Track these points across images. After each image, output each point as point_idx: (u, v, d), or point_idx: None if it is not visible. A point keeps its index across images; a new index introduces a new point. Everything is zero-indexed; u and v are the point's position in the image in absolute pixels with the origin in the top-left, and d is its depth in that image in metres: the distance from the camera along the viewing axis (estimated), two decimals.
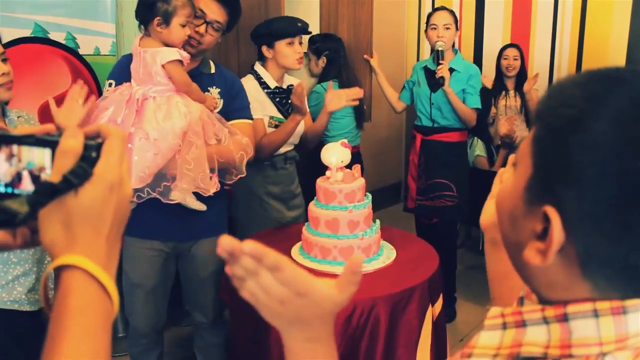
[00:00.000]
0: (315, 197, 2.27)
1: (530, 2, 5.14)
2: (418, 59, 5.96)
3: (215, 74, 2.37)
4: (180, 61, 2.03)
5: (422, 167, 3.67)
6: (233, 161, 2.12)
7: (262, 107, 2.73)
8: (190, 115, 1.99)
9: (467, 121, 3.54)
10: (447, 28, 3.49)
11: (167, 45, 2.05)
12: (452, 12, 3.57)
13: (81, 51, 3.14)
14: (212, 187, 2.03)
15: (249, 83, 2.71)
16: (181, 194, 2.04)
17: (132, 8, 2.17)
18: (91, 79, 3.17)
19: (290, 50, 2.72)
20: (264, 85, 2.77)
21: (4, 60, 1.86)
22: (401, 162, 6.07)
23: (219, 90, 2.33)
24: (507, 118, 4.33)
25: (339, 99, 2.73)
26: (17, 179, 0.63)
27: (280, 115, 2.78)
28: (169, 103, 1.99)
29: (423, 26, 5.72)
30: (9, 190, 0.63)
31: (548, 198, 0.64)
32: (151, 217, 2.17)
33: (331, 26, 3.60)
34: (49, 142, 0.62)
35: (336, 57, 3.53)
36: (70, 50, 3.09)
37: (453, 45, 3.64)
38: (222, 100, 2.32)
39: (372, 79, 3.97)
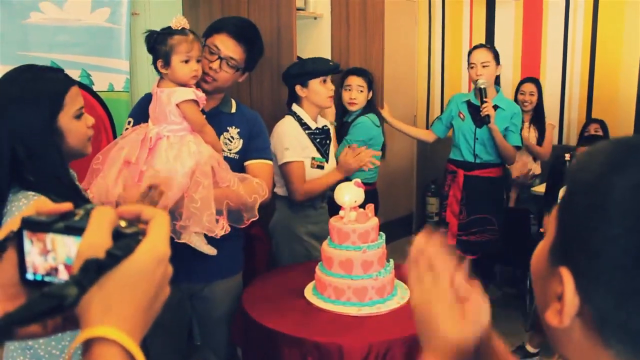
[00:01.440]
0: (328, 237, 2.25)
1: (540, 34, 5.17)
2: (428, 91, 5.98)
3: (235, 113, 2.34)
4: (196, 101, 2.03)
5: (464, 202, 3.66)
6: (244, 205, 2.10)
7: (303, 149, 2.76)
8: (200, 155, 1.98)
9: (508, 158, 3.58)
10: (485, 66, 3.51)
11: (181, 85, 2.05)
12: (490, 49, 3.58)
13: (95, 88, 3.18)
14: (218, 229, 2.01)
15: (289, 124, 2.76)
16: (189, 236, 2.03)
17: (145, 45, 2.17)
18: (105, 114, 3.20)
19: (324, 88, 2.77)
20: (304, 126, 2.80)
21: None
22: (412, 194, 6.04)
23: (238, 130, 2.30)
24: (519, 161, 4.31)
25: (358, 161, 2.80)
26: (54, 271, 0.61)
27: (320, 156, 2.81)
28: (181, 142, 1.99)
29: (433, 58, 5.83)
30: (48, 278, 0.61)
31: (565, 260, 0.65)
32: None
33: (342, 60, 3.53)
34: (79, 230, 0.60)
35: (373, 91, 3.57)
36: (85, 87, 3.10)
37: (496, 83, 3.65)
38: (241, 140, 2.30)
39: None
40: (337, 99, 3.34)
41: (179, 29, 2.01)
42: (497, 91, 3.62)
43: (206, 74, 2.20)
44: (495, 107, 3.51)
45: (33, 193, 1.46)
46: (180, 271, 2.25)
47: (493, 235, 3.61)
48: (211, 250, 2.15)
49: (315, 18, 3.66)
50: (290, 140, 2.72)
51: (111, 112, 3.19)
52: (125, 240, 0.60)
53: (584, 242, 0.62)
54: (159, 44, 2.02)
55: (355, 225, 2.16)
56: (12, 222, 0.63)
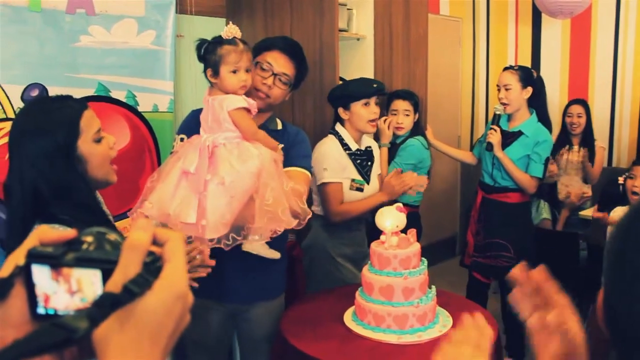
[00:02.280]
0: (369, 262, 2.21)
1: (588, 53, 5.05)
2: (472, 112, 5.91)
3: (281, 130, 2.34)
4: (247, 109, 2.01)
5: (481, 224, 3.60)
6: (293, 207, 2.03)
7: (343, 169, 2.74)
8: (263, 157, 1.96)
9: (524, 188, 3.46)
10: (508, 89, 3.44)
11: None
12: (516, 71, 3.48)
13: (140, 108, 3.23)
14: (292, 222, 1.96)
15: (330, 143, 2.75)
16: (251, 244, 2.03)
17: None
18: (149, 134, 3.28)
19: (365, 111, 2.74)
20: (345, 146, 2.79)
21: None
22: (456, 216, 5.95)
23: (282, 146, 2.28)
24: (566, 182, 4.19)
25: (403, 185, 2.77)
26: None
27: (360, 178, 2.79)
28: (240, 148, 1.97)
29: (477, 78, 5.75)
30: (61, 312, 0.59)
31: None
32: (211, 278, 2.12)
33: (385, 81, 3.47)
34: (97, 262, 0.58)
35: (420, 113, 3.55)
36: (130, 108, 3.19)
37: (530, 105, 3.54)
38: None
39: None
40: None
41: (230, 38, 2.00)
42: (531, 113, 3.51)
43: (259, 90, 2.20)
44: (520, 134, 3.45)
45: (58, 225, 1.41)
46: (225, 291, 2.28)
47: (508, 263, 3.45)
48: (274, 254, 2.14)
49: (358, 39, 3.64)
50: (329, 161, 2.71)
51: (155, 133, 3.26)
52: (142, 274, 0.58)
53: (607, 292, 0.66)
54: (208, 53, 2.02)
55: (396, 250, 2.12)
56: (15, 256, 0.60)
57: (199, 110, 2.13)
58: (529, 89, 3.45)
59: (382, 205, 2.42)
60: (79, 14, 2.96)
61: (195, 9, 3.54)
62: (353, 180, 2.75)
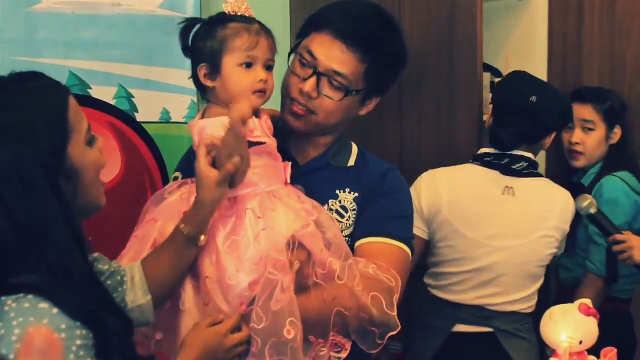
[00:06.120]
0: None
1: None
2: None
3: (353, 168, 1.79)
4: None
5: None
6: (365, 311, 1.53)
7: None
8: (275, 233, 1.47)
9: None
10: None
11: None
12: None
13: (140, 117, 2.33)
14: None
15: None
16: None
17: None
18: (153, 160, 2.35)
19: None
20: None
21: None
22: None
23: (356, 195, 1.76)
24: None
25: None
26: None
27: None
28: (239, 212, 1.52)
29: None
30: None
31: None
32: None
33: (570, 73, 2.62)
34: None
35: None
36: (122, 115, 2.30)
37: None
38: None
39: None
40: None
41: (237, 14, 1.60)
42: None
43: (294, 100, 1.69)
44: None
45: (32, 297, 1.09)
46: None
47: None
48: None
49: None
50: None
51: (164, 157, 2.32)
52: None
53: None
54: (202, 39, 1.57)
55: None
56: None
57: None
58: None
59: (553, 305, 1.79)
60: None
61: None
62: None
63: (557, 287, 2.49)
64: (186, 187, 1.63)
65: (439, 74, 2.48)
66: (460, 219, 2.08)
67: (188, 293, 1.51)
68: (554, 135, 2.21)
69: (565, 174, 2.53)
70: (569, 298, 2.08)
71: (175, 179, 1.72)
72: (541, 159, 2.62)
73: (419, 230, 2.13)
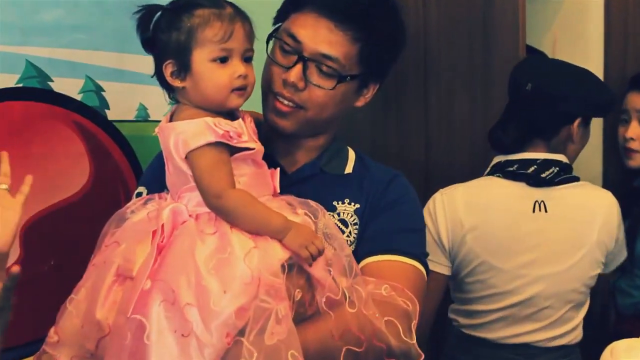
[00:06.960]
0: None
1: None
2: None
3: (352, 175, 1.62)
4: (223, 144, 1.34)
5: None
6: (383, 341, 1.35)
7: None
8: (268, 255, 1.31)
9: None
10: None
11: (209, 110, 1.36)
12: None
13: (111, 114, 2.05)
14: None
15: None
16: None
17: None
18: (129, 167, 2.10)
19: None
20: None
21: None
22: None
23: (357, 207, 1.57)
24: None
25: None
26: None
27: None
28: (222, 229, 1.31)
29: None
30: None
31: None
32: None
33: (630, 58, 2.40)
34: None
35: None
36: (90, 113, 2.01)
37: None
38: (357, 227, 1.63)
39: None
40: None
41: None
42: None
43: (278, 95, 1.50)
44: None
45: None
46: None
47: None
48: None
49: None
50: None
51: (141, 163, 2.07)
52: None
53: None
54: (164, 30, 1.36)
55: None
56: None
57: None
58: None
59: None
60: None
61: None
62: None
63: (615, 314, 2.18)
64: (152, 203, 1.46)
65: (473, 61, 2.26)
66: (487, 249, 1.81)
67: (156, 323, 1.29)
68: (576, 125, 1.92)
69: (627, 176, 2.23)
70: (631, 328, 1.86)
71: (139, 194, 1.57)
72: (597, 158, 2.34)
73: (439, 265, 1.91)
